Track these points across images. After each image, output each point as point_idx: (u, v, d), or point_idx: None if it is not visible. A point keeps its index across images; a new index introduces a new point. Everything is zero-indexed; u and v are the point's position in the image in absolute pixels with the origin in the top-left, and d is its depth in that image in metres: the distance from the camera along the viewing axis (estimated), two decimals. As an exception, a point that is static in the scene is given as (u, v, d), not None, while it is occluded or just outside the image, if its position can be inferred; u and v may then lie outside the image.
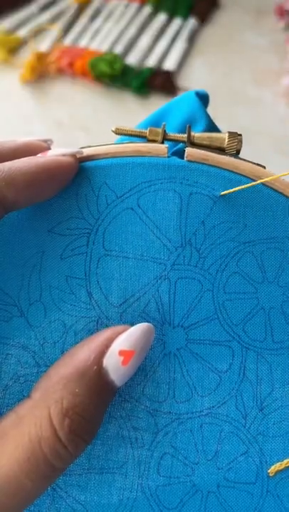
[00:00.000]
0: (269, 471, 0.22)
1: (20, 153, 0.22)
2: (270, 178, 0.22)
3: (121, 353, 0.19)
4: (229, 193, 0.22)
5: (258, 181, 0.21)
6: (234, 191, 0.22)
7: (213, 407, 0.22)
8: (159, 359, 0.22)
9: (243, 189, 0.22)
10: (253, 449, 0.22)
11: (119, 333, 0.20)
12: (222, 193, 0.22)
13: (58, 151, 0.22)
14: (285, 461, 0.22)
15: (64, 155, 0.21)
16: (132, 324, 0.22)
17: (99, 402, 0.19)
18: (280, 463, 0.22)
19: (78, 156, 0.22)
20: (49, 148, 0.23)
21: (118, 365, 0.19)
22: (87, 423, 0.18)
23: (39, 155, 0.22)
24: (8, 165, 0.20)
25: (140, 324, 0.20)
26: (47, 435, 0.17)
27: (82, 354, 0.19)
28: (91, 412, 0.18)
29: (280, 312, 0.22)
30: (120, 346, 0.19)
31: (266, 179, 0.22)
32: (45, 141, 0.23)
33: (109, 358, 0.19)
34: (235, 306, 0.22)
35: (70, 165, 0.21)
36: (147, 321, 0.22)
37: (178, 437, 0.22)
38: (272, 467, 0.22)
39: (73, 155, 0.22)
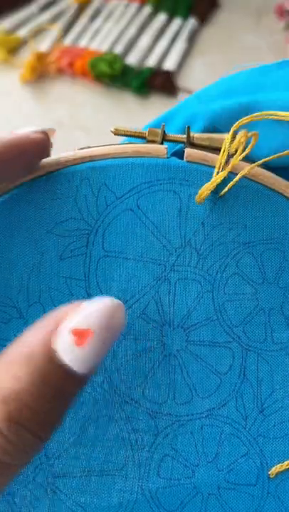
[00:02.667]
0: (270, 472, 0.22)
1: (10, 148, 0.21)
2: (250, 167, 0.22)
3: (74, 332, 0.16)
4: (225, 192, 0.21)
5: (240, 174, 0.21)
6: (229, 189, 0.21)
7: (213, 408, 0.22)
8: (159, 360, 0.22)
9: (243, 190, 0.22)
10: (253, 450, 0.22)
11: (72, 310, 0.17)
12: (220, 193, 0.21)
13: (28, 129, 0.21)
14: (286, 462, 0.22)
15: (35, 132, 0.21)
16: (132, 324, 0.21)
17: (50, 390, 0.16)
18: (280, 464, 0.22)
19: (50, 134, 0.22)
20: (48, 141, 0.22)
21: (71, 347, 0.16)
22: (34, 413, 0.16)
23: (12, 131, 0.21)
24: None
25: (98, 298, 0.17)
26: None
27: (29, 336, 0.16)
28: (38, 400, 0.16)
29: (280, 313, 0.22)
30: (72, 324, 0.16)
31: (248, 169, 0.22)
32: (45, 131, 0.22)
33: (59, 338, 0.16)
34: (235, 307, 0.22)
35: (39, 141, 0.21)
36: (147, 323, 0.22)
37: (178, 439, 0.22)
38: (273, 468, 0.22)
39: (44, 132, 0.21)
